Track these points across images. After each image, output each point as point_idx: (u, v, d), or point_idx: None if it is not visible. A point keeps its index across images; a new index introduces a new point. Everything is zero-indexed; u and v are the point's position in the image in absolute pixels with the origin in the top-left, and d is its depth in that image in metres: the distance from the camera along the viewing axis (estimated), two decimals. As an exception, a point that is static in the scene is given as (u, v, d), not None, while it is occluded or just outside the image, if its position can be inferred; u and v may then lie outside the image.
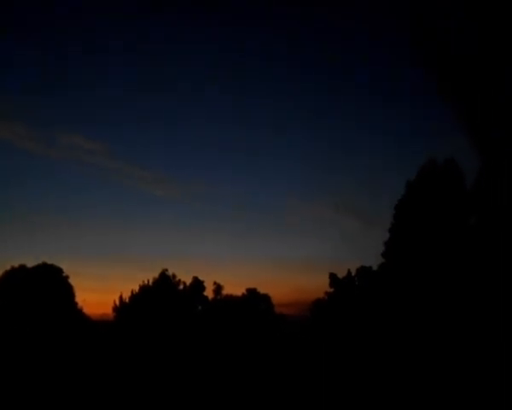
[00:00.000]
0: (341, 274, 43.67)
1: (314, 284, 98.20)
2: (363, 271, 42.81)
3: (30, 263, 41.88)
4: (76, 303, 43.21)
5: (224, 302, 46.63)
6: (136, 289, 45.27)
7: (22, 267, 41.90)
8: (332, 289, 42.91)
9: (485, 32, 8.09)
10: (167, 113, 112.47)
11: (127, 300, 44.71)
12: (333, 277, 43.81)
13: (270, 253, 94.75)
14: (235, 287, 58.20)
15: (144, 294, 44.89)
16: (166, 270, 45.79)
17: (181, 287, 46.92)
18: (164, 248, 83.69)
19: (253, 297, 46.67)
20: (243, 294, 47.30)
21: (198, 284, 47.16)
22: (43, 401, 16.49)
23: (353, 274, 43.28)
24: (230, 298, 47.36)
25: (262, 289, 48.17)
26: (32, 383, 19.65)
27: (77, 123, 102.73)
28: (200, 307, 46.80)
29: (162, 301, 44.31)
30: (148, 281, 45.26)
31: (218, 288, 47.99)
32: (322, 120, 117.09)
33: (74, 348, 31.71)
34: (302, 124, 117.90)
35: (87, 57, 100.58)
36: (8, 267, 41.22)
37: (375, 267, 41.06)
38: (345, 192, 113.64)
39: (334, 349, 30.61)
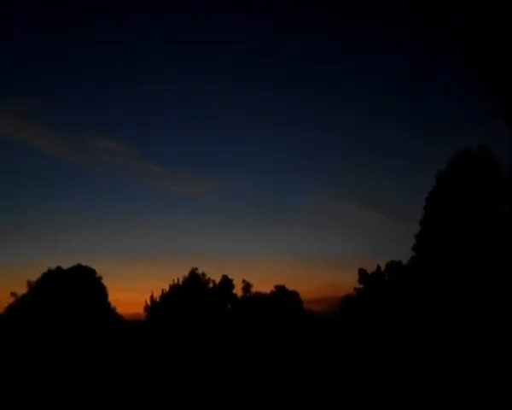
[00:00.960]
0: (370, 270, 43.23)
1: (343, 281, 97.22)
2: (393, 266, 42.09)
3: (65, 265, 43.23)
4: (109, 303, 44.37)
5: (253, 300, 46.76)
6: (167, 288, 45.99)
7: (58, 269, 43.26)
8: (361, 285, 42.44)
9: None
10: (193, 113, 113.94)
11: (158, 299, 45.51)
12: (362, 272, 43.32)
13: (298, 250, 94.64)
14: (263, 285, 58.58)
15: (174, 293, 45.56)
16: (196, 269, 46.33)
17: (210, 285, 47.31)
18: (193, 246, 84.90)
19: (282, 294, 46.64)
20: (272, 291, 47.37)
21: (227, 283, 47.48)
22: (78, 399, 17.03)
23: (383, 269, 42.63)
24: (259, 296, 47.45)
25: (290, 287, 48.18)
26: (68, 380, 20.31)
27: (104, 127, 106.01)
28: (229, 306, 47.08)
29: (192, 299, 44.86)
30: (178, 280, 45.92)
31: (246, 286, 48.16)
32: (347, 118, 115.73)
33: (108, 348, 32.57)
34: (328, 122, 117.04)
35: (114, 64, 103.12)
36: (45, 270, 42.69)
37: (405, 262, 40.38)
38: (372, 188, 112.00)
39: (365, 346, 30.16)
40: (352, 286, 44.15)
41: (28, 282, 42.22)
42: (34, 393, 17.42)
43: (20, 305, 41.11)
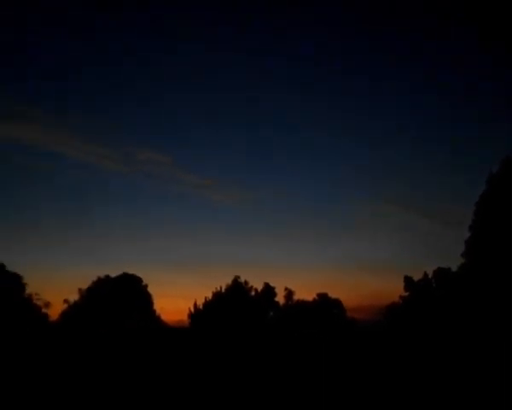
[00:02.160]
0: (417, 277, 41.82)
1: (387, 288, 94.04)
2: (441, 273, 40.52)
3: (113, 273, 44.90)
4: (154, 311, 45.62)
5: (295, 308, 46.49)
6: (210, 296, 46.64)
7: (107, 278, 44.97)
8: (407, 293, 41.14)
9: None
10: (235, 124, 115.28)
11: (201, 307, 46.24)
12: (408, 280, 42.00)
13: (340, 257, 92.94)
14: (306, 292, 57.98)
15: (217, 301, 46.12)
16: (239, 277, 46.72)
17: (253, 293, 47.49)
18: (236, 255, 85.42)
19: (325, 302, 46.05)
20: (314, 299, 46.91)
21: (269, 290, 47.52)
22: (126, 402, 17.56)
23: (430, 277, 41.12)
24: (302, 303, 47.11)
25: (333, 294, 47.45)
26: (116, 385, 20.99)
27: (148, 139, 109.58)
28: (271, 313, 47.04)
29: (235, 307, 45.22)
30: (221, 288, 46.46)
31: (289, 293, 48.00)
32: (393, 120, 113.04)
33: (153, 354, 33.40)
34: (371, 124, 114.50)
35: (156, 77, 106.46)
36: (95, 278, 44.55)
37: (454, 269, 38.81)
38: (418, 193, 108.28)
39: (411, 356, 29.16)
40: (397, 294, 42.91)
41: (80, 290, 44.22)
42: (84, 395, 18.16)
43: (73, 312, 43.15)
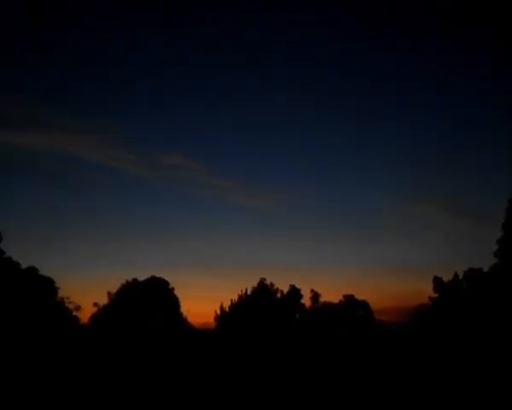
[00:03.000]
0: (447, 278, 40.82)
1: (416, 290, 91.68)
2: (473, 273, 39.36)
3: (141, 277, 45.65)
4: (181, 314, 46.13)
5: (321, 310, 46.09)
6: (236, 298, 46.81)
7: (135, 281, 45.79)
8: (436, 295, 40.19)
9: None
10: (259, 127, 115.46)
11: (227, 309, 46.46)
12: (437, 281, 41.05)
13: (367, 257, 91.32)
14: (332, 294, 57.23)
15: (243, 303, 46.25)
16: (264, 279, 46.71)
17: (278, 296, 47.41)
18: (261, 257, 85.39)
19: (351, 304, 45.45)
20: (340, 301, 46.36)
21: (295, 293, 47.34)
22: (153, 402, 17.84)
23: (461, 277, 40.01)
24: (328, 305, 46.66)
25: (360, 296, 46.78)
26: (146, 385, 21.39)
27: (172, 144, 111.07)
28: (297, 316, 46.80)
29: (261, 310, 45.24)
30: (246, 290, 46.56)
31: (315, 295, 47.67)
32: (420, 118, 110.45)
33: (180, 357, 33.84)
34: (399, 119, 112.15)
35: (181, 81, 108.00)
36: (123, 281, 45.42)
37: (486, 269, 37.65)
38: (447, 189, 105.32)
39: (441, 359, 28.41)
40: (426, 295, 41.96)
41: (109, 293, 45.19)
42: (113, 396, 18.57)
43: (102, 315, 44.19)
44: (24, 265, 37.57)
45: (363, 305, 46.19)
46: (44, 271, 39.08)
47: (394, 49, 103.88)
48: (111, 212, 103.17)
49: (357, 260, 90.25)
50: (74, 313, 42.22)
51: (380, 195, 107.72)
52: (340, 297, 46.84)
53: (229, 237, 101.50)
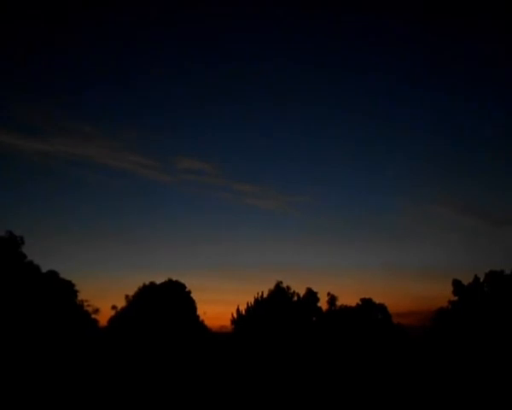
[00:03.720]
0: (467, 281, 40.05)
1: (435, 292, 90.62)
2: (494, 276, 38.52)
3: (158, 280, 45.98)
4: (198, 316, 46.27)
5: (338, 313, 45.69)
6: (252, 301, 46.74)
7: (152, 284, 46.11)
8: (456, 298, 39.43)
9: None
10: (276, 131, 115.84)
11: (244, 312, 46.41)
12: (457, 283, 40.29)
13: (384, 260, 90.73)
14: (349, 297, 56.84)
15: (259, 306, 46.16)
16: (281, 282, 46.57)
17: (295, 299, 47.20)
18: (278, 260, 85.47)
19: (369, 307, 44.92)
20: (358, 304, 45.88)
21: (312, 296, 47.06)
22: (171, 404, 17.94)
23: (481, 280, 39.18)
24: (345, 309, 46.23)
25: (378, 299, 46.23)
26: (158, 388, 21.53)
27: (188, 148, 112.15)
28: (314, 319, 46.48)
29: (277, 313, 45.09)
30: (263, 293, 46.46)
31: (332, 299, 47.33)
32: (438, 118, 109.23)
33: (198, 359, 33.96)
34: (415, 122, 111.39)
35: (198, 88, 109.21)
36: (141, 285, 45.84)
37: (507, 271, 36.83)
38: (467, 191, 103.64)
39: (464, 362, 27.79)
40: (445, 299, 41.26)
41: (126, 296, 45.63)
42: (131, 396, 18.75)
43: (120, 317, 44.63)
44: (44, 269, 38.32)
45: (381, 308, 45.62)
46: (64, 274, 39.85)
47: (413, 53, 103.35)
48: (128, 216, 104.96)
49: (375, 263, 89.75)
50: (93, 316, 42.81)
51: (398, 198, 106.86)
52: (358, 300, 46.42)
53: (245, 240, 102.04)
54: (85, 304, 41.44)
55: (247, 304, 46.86)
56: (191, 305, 46.15)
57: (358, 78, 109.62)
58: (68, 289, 39.57)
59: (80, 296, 41.07)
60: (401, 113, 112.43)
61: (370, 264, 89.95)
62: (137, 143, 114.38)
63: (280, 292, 46.76)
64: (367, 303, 45.45)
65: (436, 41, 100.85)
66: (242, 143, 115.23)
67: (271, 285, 46.58)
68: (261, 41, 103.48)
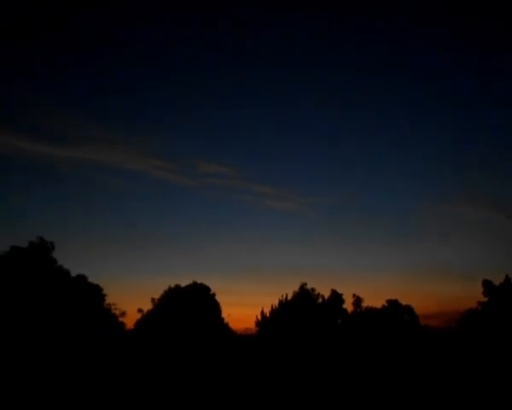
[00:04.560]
0: (497, 281, 38.94)
1: (464, 294, 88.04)
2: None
3: (183, 283, 46.56)
4: (222, 319, 46.60)
5: (364, 315, 45.18)
6: (276, 303, 46.73)
7: (177, 287, 46.71)
8: (486, 299, 38.39)
9: None
10: (294, 132, 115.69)
11: (268, 314, 46.45)
12: (487, 284, 39.28)
13: (410, 261, 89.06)
14: (375, 299, 56.04)
15: (284, 308, 46.11)
16: (305, 284, 46.41)
17: (320, 301, 46.94)
18: (301, 262, 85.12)
19: (395, 309, 44.24)
20: (384, 306, 45.26)
21: (337, 298, 46.72)
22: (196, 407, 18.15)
23: (513, 281, 38.08)
24: (371, 310, 45.68)
25: (404, 301, 45.50)
26: (184, 390, 21.79)
27: (210, 152, 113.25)
28: (339, 321, 46.10)
29: (302, 315, 44.94)
30: (287, 295, 46.39)
31: (357, 300, 46.85)
32: (473, 118, 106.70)
33: (223, 361, 34.16)
34: (439, 122, 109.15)
35: (219, 93, 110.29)
36: (166, 288, 46.51)
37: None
38: (497, 191, 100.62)
39: (492, 365, 26.99)
40: (475, 300, 40.27)
41: (152, 299, 46.37)
42: (157, 398, 19.08)
43: (146, 320, 45.41)
44: (74, 273, 39.34)
45: (408, 310, 44.88)
46: (92, 278, 40.79)
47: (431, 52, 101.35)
48: (152, 220, 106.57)
49: (401, 264, 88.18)
50: (120, 319, 43.63)
51: (424, 197, 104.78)
52: (384, 302, 45.83)
53: (268, 242, 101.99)
54: (113, 307, 42.26)
55: (272, 306, 46.89)
56: (216, 307, 46.49)
57: (375, 78, 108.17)
58: (96, 292, 40.47)
59: (107, 300, 42.01)
60: (427, 115, 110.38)
61: (396, 265, 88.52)
62: (159, 148, 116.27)
63: (304, 294, 46.58)
64: (393, 305, 44.79)
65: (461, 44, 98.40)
66: (262, 146, 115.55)
67: (296, 287, 46.51)
68: (275, 49, 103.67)
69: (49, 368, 26.39)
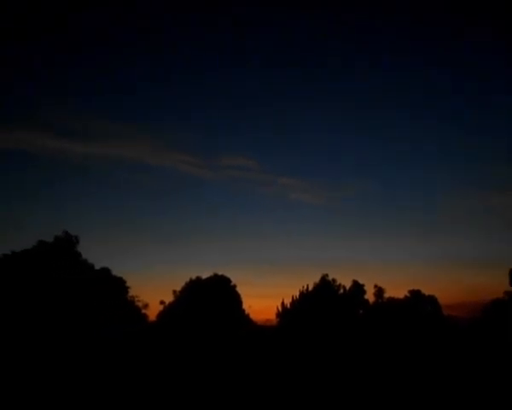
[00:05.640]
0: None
1: (489, 283, 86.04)
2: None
3: (204, 275, 47.11)
4: (243, 310, 47.00)
5: (385, 305, 44.82)
6: (297, 294, 46.81)
7: (198, 279, 47.28)
8: (513, 288, 37.52)
9: None
10: (316, 124, 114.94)
11: (289, 306, 46.61)
12: (514, 273, 38.27)
13: (433, 251, 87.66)
14: (397, 289, 55.46)
15: (305, 299, 46.16)
16: (326, 275, 46.30)
17: (341, 291, 46.78)
18: (322, 253, 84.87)
19: (417, 299, 43.71)
20: (406, 296, 44.77)
21: (358, 288, 46.47)
22: (217, 401, 18.45)
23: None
24: (393, 301, 45.27)
25: (427, 291, 44.87)
26: (206, 381, 22.15)
27: (232, 144, 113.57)
28: (361, 311, 45.87)
29: (323, 305, 44.90)
30: (308, 286, 46.39)
31: (379, 291, 46.48)
32: (491, 111, 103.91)
33: (244, 352, 34.46)
34: (467, 116, 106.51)
35: (244, 89, 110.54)
36: (187, 280, 47.16)
37: None
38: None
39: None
40: (501, 290, 39.36)
41: (174, 291, 47.09)
42: (179, 390, 19.46)
43: (168, 312, 46.21)
44: (98, 266, 40.24)
45: (431, 300, 44.28)
46: (116, 271, 41.67)
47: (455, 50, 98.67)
48: (174, 213, 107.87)
49: (424, 254, 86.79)
50: (143, 311, 44.48)
51: (449, 187, 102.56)
52: (406, 292, 45.32)
53: (289, 234, 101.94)
54: (136, 299, 43.08)
55: (293, 297, 47.01)
56: (237, 299, 46.88)
57: (404, 74, 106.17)
58: (120, 285, 41.33)
59: (130, 292, 42.84)
60: (449, 105, 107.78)
61: (419, 254, 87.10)
62: (181, 141, 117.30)
63: (325, 285, 46.49)
64: (415, 295, 44.28)
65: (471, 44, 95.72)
66: (285, 138, 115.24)
67: (316, 279, 46.48)
68: (299, 45, 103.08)
69: (74, 359, 27.21)
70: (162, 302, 47.07)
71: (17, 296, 33.34)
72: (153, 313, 47.35)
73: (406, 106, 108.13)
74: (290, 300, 46.91)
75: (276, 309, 47.65)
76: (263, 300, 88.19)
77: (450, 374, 23.66)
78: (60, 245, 37.03)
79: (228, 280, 47.33)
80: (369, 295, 46.00)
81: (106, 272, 40.28)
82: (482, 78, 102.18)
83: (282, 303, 47.11)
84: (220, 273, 47.07)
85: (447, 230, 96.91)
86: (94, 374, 21.97)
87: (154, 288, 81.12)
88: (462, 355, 30.29)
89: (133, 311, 42.29)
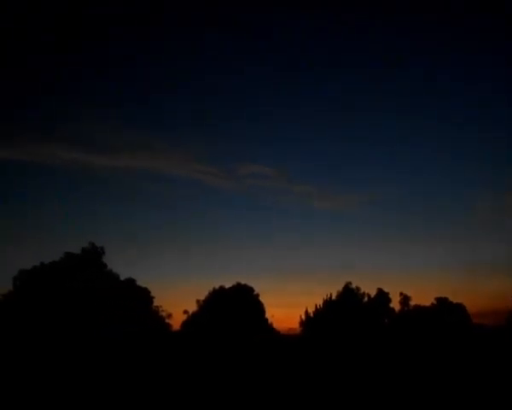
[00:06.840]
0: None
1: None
2: None
3: (227, 284, 47.30)
4: (266, 319, 46.89)
5: (412, 314, 43.94)
6: (320, 303, 46.45)
7: (222, 288, 47.51)
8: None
9: None
10: (330, 131, 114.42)
11: (312, 314, 46.27)
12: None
13: (461, 258, 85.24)
14: (423, 297, 54.17)
15: (328, 308, 45.75)
16: (350, 283, 45.83)
17: (365, 300, 46.16)
18: (344, 260, 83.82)
19: (444, 307, 42.68)
20: (433, 304, 43.79)
21: (383, 296, 45.77)
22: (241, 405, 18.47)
23: None
24: (419, 309, 44.35)
25: (455, 299, 43.79)
26: (230, 389, 22.20)
27: (252, 154, 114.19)
28: (386, 320, 45.09)
29: (347, 314, 44.39)
30: (331, 295, 45.99)
31: (404, 299, 45.66)
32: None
33: (268, 361, 34.33)
34: (493, 118, 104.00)
35: (260, 98, 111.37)
36: (211, 289, 47.46)
37: None
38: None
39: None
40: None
41: (197, 301, 47.44)
42: (202, 397, 19.60)
43: (192, 321, 46.54)
44: (123, 277, 40.95)
45: (459, 308, 43.15)
46: (141, 282, 42.26)
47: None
48: (196, 223, 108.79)
49: (452, 261, 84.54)
50: (167, 321, 44.89)
51: (476, 193, 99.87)
52: (433, 300, 44.35)
53: (311, 242, 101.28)
54: (160, 310, 43.60)
55: (316, 306, 46.68)
56: (260, 308, 46.85)
57: (423, 80, 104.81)
58: (145, 295, 41.93)
59: (155, 302, 43.35)
60: (483, 110, 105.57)
61: (446, 261, 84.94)
62: (201, 151, 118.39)
63: (349, 293, 45.99)
64: (443, 303, 43.27)
65: None
66: (303, 146, 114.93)
67: (340, 287, 46.02)
68: (317, 51, 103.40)
69: (102, 366, 27.75)
70: (186, 312, 47.49)
71: (47, 307, 34.30)
72: (176, 322, 47.83)
73: (433, 108, 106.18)
74: (313, 308, 46.64)
75: (298, 318, 47.50)
76: (285, 309, 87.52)
77: (477, 384, 22.99)
78: (86, 257, 37.92)
79: (251, 289, 47.38)
80: (395, 304, 45.25)
81: (131, 282, 40.97)
82: None
83: (306, 312, 46.84)
84: (243, 282, 47.22)
85: (477, 237, 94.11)
86: (122, 383, 22.35)
87: (176, 297, 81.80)
88: (486, 365, 29.34)
89: (157, 321, 42.81)
